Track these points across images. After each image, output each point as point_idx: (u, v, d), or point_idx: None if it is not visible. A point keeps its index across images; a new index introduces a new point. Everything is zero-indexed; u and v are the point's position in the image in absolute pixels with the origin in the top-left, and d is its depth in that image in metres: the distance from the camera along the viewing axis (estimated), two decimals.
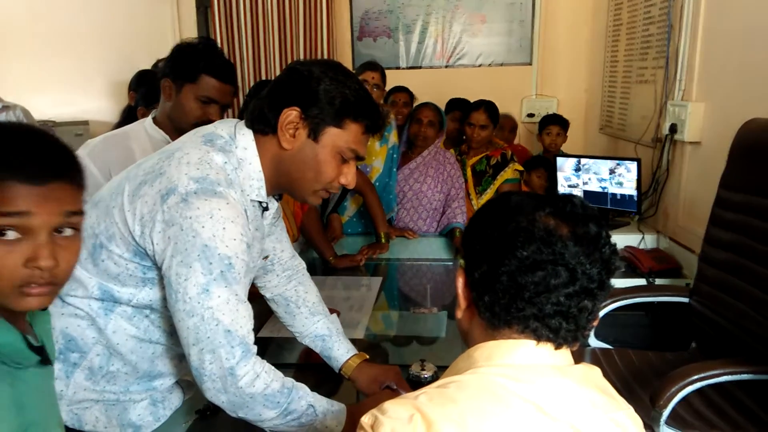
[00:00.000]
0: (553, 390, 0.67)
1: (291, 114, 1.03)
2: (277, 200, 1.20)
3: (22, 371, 0.75)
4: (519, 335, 0.72)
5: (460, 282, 0.77)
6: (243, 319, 0.99)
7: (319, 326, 1.38)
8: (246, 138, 1.06)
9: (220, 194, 0.96)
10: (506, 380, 0.67)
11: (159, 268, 1.00)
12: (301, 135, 1.04)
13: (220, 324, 0.96)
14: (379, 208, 2.46)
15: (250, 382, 0.99)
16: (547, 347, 0.72)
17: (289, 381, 1.06)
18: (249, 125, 1.07)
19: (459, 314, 0.79)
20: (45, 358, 0.78)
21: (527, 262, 0.69)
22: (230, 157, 1.03)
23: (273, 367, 1.05)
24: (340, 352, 1.35)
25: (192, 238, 0.94)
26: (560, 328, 0.70)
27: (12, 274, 0.70)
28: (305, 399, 1.06)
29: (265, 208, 1.14)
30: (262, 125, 1.06)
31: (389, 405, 0.67)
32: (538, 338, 0.71)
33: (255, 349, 1.01)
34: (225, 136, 1.05)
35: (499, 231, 0.71)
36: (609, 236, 0.72)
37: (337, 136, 1.05)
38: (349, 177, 1.10)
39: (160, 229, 0.95)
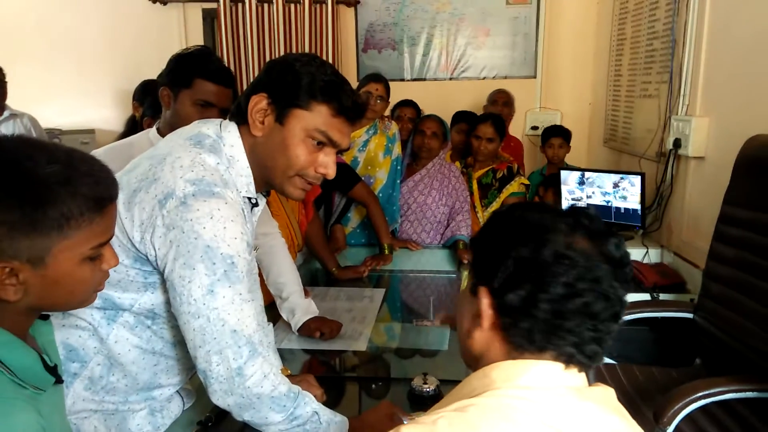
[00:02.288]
0: (575, 415, 0.66)
1: (258, 100, 1.03)
2: (264, 196, 1.19)
3: (41, 395, 0.76)
4: (550, 360, 0.69)
5: (485, 303, 0.71)
6: (248, 318, 0.99)
7: None
8: (232, 135, 1.06)
9: (218, 194, 0.97)
10: (527, 404, 0.65)
11: (160, 273, 1.00)
12: (269, 121, 1.04)
13: (226, 324, 0.96)
14: (382, 220, 2.47)
15: (258, 382, 0.99)
16: (567, 367, 0.70)
17: (295, 386, 1.06)
18: (231, 118, 1.09)
19: (476, 336, 0.73)
20: (59, 378, 0.80)
21: (571, 290, 0.66)
22: (221, 157, 1.03)
23: (279, 371, 1.05)
24: None
25: (194, 240, 0.94)
26: (596, 354, 0.69)
27: (95, 283, 0.82)
28: (311, 405, 1.06)
29: (255, 204, 1.13)
30: (239, 116, 1.07)
31: (406, 430, 0.65)
32: (568, 363, 0.69)
33: (261, 349, 1.01)
34: (212, 135, 1.05)
35: (535, 254, 0.68)
36: (629, 254, 0.72)
37: (304, 118, 1.03)
38: (328, 167, 1.07)
39: (161, 233, 0.96)
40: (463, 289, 0.79)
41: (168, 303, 1.02)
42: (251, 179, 1.08)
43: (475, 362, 0.75)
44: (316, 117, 1.03)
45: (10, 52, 3.76)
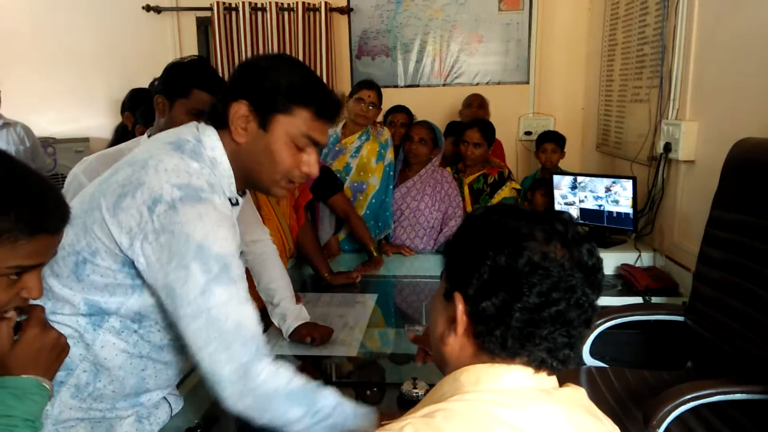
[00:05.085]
0: (544, 417, 0.66)
1: (239, 108, 1.04)
2: (241, 195, 1.18)
3: None
4: (521, 365, 0.70)
5: (460, 310, 0.71)
6: (249, 319, 0.97)
7: None
8: (211, 138, 1.07)
9: (205, 200, 0.97)
10: (495, 407, 0.65)
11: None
12: (252, 127, 1.05)
13: (228, 320, 0.94)
14: (364, 229, 2.47)
15: (271, 376, 0.96)
16: (537, 372, 0.70)
17: (313, 382, 1.02)
18: (208, 122, 1.09)
19: (450, 341, 0.73)
20: None
21: (545, 299, 0.67)
22: (203, 161, 1.04)
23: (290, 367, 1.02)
24: None
25: (185, 241, 0.94)
26: (568, 358, 0.70)
27: (2, 304, 0.80)
28: (333, 396, 1.01)
29: (235, 203, 1.13)
30: (218, 121, 1.07)
31: None
32: (539, 367, 0.70)
33: (266, 350, 0.98)
34: (191, 140, 1.06)
35: (510, 262, 0.68)
36: (601, 260, 0.72)
37: (288, 124, 1.04)
38: (311, 166, 1.09)
39: (153, 239, 0.95)
40: (437, 294, 0.79)
41: (155, 305, 1.01)
42: (233, 180, 1.09)
43: (447, 366, 0.75)
44: (299, 121, 1.05)
45: (4, 61, 3.78)
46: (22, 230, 0.75)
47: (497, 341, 0.69)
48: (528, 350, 0.69)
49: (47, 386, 0.86)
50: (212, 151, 1.06)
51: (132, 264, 1.00)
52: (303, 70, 1.07)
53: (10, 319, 0.84)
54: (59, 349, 0.89)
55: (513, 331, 0.68)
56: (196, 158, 1.03)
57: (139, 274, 1.01)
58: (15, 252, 0.76)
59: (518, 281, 0.67)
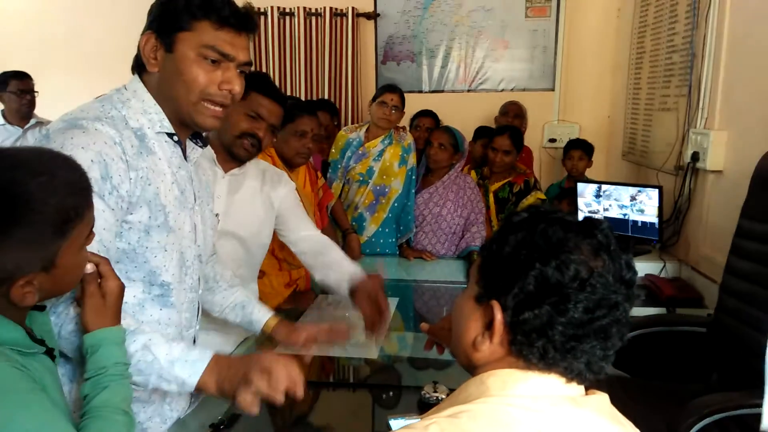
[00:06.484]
0: (570, 423, 0.66)
1: (146, 39, 1.06)
2: (200, 147, 1.19)
3: (31, 358, 0.82)
4: (555, 375, 0.69)
5: (498, 319, 0.69)
6: None
7: (237, 295, 1.43)
8: (134, 82, 1.10)
9: (79, 126, 0.98)
10: (522, 411, 0.65)
11: None
12: (161, 54, 1.06)
13: None
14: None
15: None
16: (568, 381, 0.70)
17: (132, 325, 0.99)
18: (134, 71, 1.12)
19: (483, 348, 0.71)
20: (48, 350, 0.86)
21: (590, 315, 0.67)
22: (108, 101, 1.07)
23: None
24: (261, 314, 1.44)
25: None
26: (602, 370, 0.70)
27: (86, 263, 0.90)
28: (141, 340, 0.96)
29: (179, 143, 1.13)
30: (138, 66, 1.10)
31: None
32: (574, 378, 0.69)
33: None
34: (113, 91, 1.10)
35: (558, 276, 0.66)
36: (637, 273, 0.72)
37: (190, 39, 1.03)
38: (232, 82, 1.06)
39: None
40: (466, 296, 0.76)
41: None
42: (163, 115, 1.09)
43: (473, 369, 0.74)
44: (201, 34, 1.03)
45: (41, 65, 3.88)
46: (82, 204, 0.83)
47: (537, 352, 0.68)
48: (568, 362, 0.68)
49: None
50: (134, 93, 1.08)
51: None
52: None
53: (93, 274, 0.91)
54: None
55: (555, 343, 0.67)
56: (102, 100, 1.07)
57: None
58: (86, 222, 0.84)
59: (565, 296, 0.66)
